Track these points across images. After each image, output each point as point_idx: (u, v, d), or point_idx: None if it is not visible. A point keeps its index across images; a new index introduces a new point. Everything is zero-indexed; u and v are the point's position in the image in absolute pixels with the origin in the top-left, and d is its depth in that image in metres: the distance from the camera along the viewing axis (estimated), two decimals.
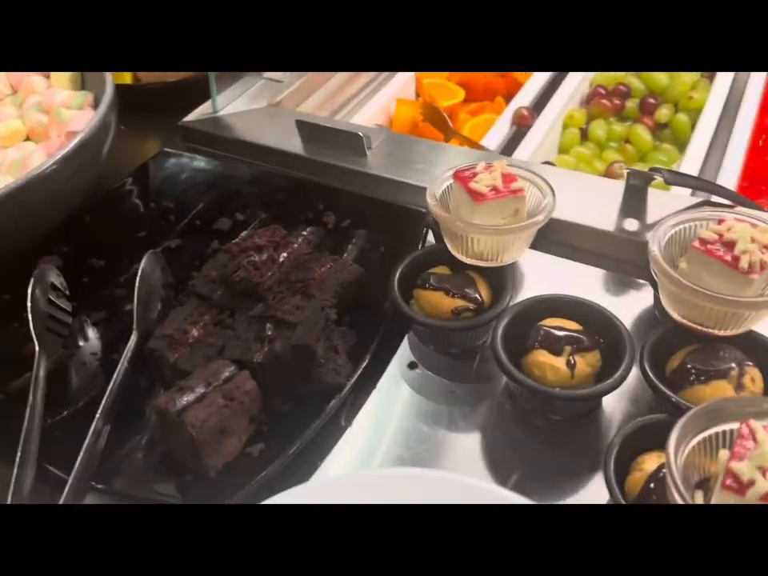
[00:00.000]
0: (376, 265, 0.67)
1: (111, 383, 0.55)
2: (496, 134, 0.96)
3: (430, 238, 0.69)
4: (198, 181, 0.80)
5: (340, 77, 1.05)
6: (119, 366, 0.56)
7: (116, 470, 0.53)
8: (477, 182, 0.58)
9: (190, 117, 0.88)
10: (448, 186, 0.62)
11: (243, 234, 0.70)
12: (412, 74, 1.11)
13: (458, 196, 0.60)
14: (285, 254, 0.62)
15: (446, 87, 1.12)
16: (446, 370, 0.61)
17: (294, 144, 0.83)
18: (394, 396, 0.59)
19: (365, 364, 0.58)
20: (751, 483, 0.38)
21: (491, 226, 0.58)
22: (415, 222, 0.69)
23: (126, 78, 0.97)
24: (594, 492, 0.51)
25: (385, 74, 1.10)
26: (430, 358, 0.62)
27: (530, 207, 0.60)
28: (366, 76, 1.10)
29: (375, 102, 1.04)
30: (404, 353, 0.62)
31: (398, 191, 0.76)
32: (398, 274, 0.61)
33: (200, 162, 0.82)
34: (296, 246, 0.64)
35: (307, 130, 0.82)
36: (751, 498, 0.37)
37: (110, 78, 0.74)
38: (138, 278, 0.63)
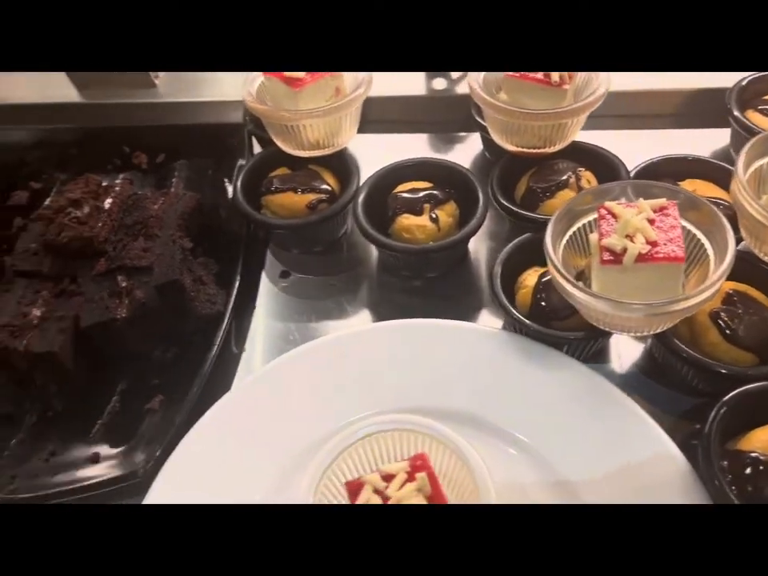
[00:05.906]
0: (210, 189, 0.63)
1: None
2: None
3: (256, 147, 0.66)
4: None
5: None
6: None
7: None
8: None
9: None
10: (261, 84, 0.59)
11: (49, 198, 0.61)
12: None
13: (274, 90, 0.57)
14: (109, 200, 0.56)
15: None
16: (318, 267, 0.60)
17: (67, 94, 0.73)
18: (276, 307, 0.57)
19: (236, 287, 0.55)
20: (624, 250, 0.42)
21: (319, 108, 0.56)
22: (233, 135, 0.65)
23: None
24: (491, 319, 0.55)
25: None
26: (298, 262, 0.61)
27: (348, 85, 0.59)
28: None
29: None
30: (272, 265, 0.60)
31: (202, 111, 0.71)
32: (239, 187, 0.58)
33: None
34: (118, 189, 0.57)
35: (81, 74, 0.72)
36: (628, 263, 0.42)
37: None
38: None
